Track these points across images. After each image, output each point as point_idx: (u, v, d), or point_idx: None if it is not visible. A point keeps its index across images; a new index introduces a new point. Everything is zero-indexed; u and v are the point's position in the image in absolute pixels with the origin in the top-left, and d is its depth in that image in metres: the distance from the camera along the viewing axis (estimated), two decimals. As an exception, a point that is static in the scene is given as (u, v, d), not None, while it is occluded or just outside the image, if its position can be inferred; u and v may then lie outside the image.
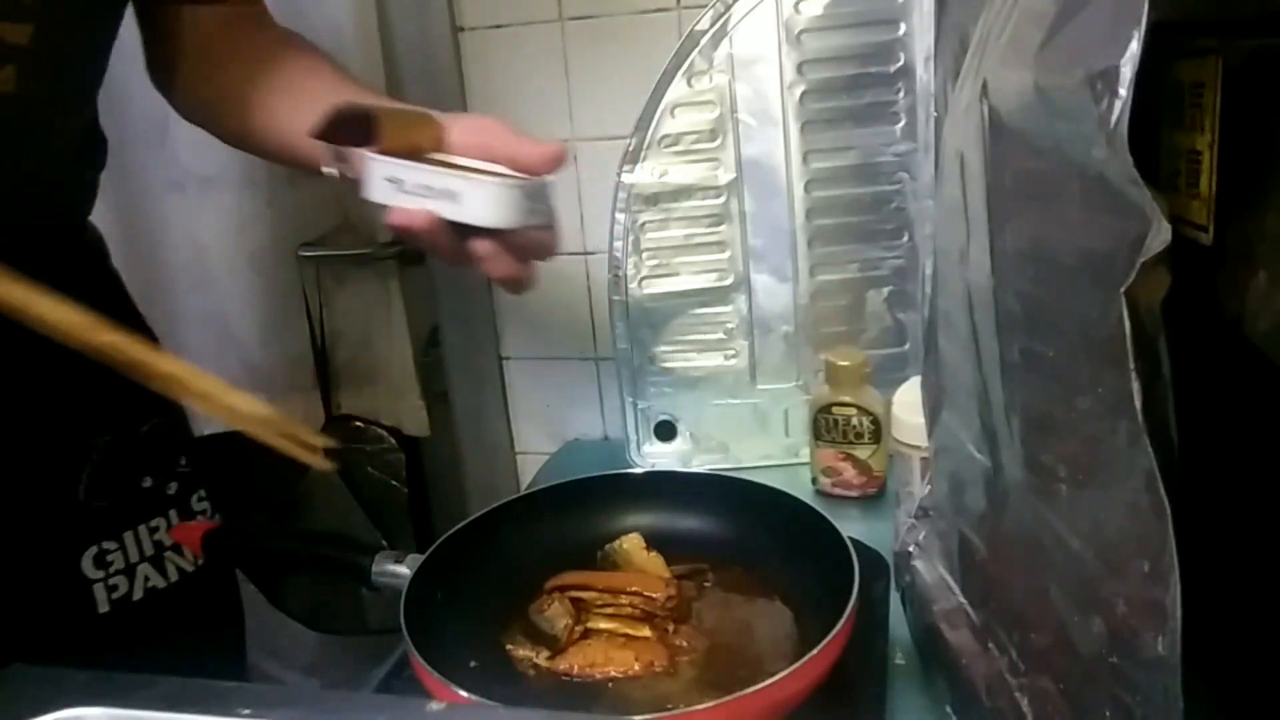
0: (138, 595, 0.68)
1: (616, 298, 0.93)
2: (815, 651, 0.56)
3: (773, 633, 0.67)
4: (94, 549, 0.67)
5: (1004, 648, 0.47)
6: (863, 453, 0.86)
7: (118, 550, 0.67)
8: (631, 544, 0.75)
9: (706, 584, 0.73)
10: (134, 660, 0.46)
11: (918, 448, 0.72)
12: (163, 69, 0.73)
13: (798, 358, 0.93)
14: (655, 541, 0.75)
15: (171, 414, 0.72)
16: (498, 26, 0.97)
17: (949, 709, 0.55)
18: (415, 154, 0.59)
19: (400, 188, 0.57)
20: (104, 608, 0.67)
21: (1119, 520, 0.33)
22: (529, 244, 0.60)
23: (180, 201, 1.12)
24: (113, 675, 0.43)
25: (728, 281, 0.92)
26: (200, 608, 0.74)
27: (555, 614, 0.68)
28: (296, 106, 0.66)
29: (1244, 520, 0.42)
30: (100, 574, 0.67)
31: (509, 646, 0.67)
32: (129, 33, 0.70)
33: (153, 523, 0.70)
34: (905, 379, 0.79)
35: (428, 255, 0.98)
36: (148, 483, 0.70)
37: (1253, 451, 0.41)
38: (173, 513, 0.71)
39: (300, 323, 1.11)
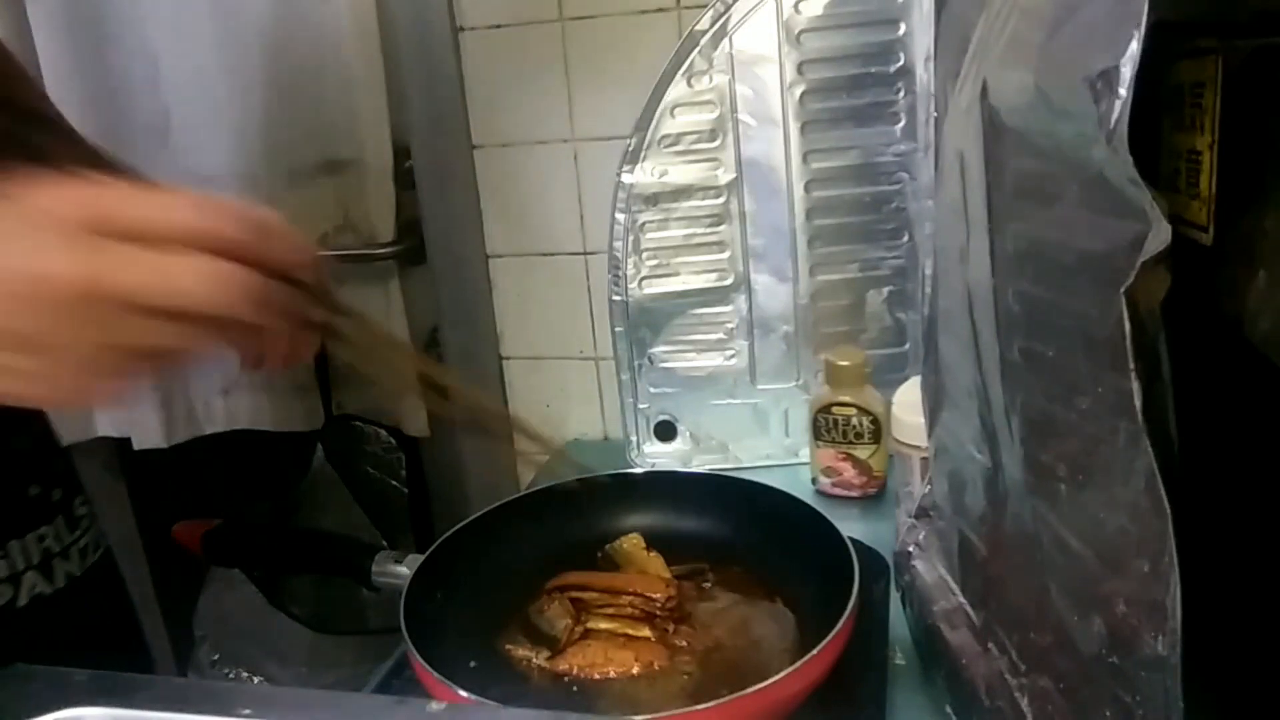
0: (22, 602, 0.66)
1: (616, 298, 0.93)
2: (815, 651, 0.56)
3: (773, 633, 0.67)
4: None
5: (1004, 648, 0.47)
6: (863, 453, 0.86)
7: (3, 559, 0.65)
8: (631, 544, 0.75)
9: (706, 584, 0.73)
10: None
11: (918, 448, 0.72)
12: None
13: (798, 358, 0.93)
14: (655, 541, 0.75)
15: (39, 424, 0.71)
16: (498, 26, 0.97)
17: (949, 709, 0.55)
18: None
19: None
20: None
21: (1119, 520, 0.33)
22: None
23: (180, 201, 1.12)
24: (113, 675, 0.43)
25: (728, 281, 0.92)
26: (88, 612, 0.72)
27: (555, 614, 0.68)
28: None
29: (1244, 520, 0.42)
30: None
31: (509, 646, 0.67)
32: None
33: (40, 530, 0.68)
34: (905, 379, 0.79)
35: None
36: (34, 490, 0.68)
37: (1253, 451, 0.41)
38: (60, 519, 0.69)
39: (300, 323, 1.11)
